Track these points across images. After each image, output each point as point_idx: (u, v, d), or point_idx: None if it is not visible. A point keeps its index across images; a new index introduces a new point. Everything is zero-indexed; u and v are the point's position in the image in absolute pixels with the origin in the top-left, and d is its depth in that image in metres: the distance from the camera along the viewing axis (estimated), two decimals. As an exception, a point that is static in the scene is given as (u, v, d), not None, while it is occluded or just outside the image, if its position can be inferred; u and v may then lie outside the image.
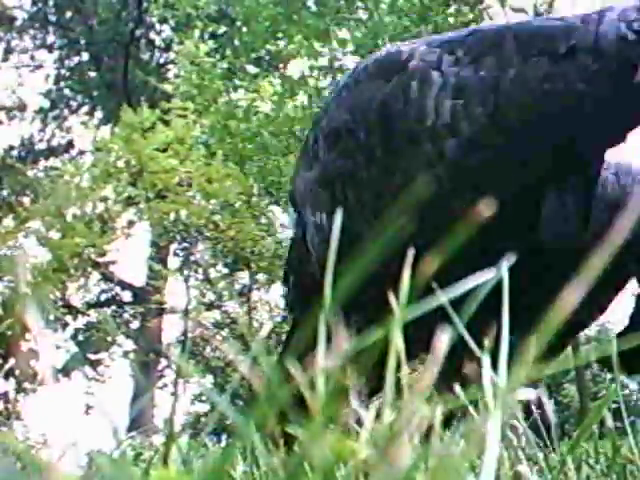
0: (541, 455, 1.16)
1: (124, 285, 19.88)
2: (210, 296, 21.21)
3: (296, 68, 14.40)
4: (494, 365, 0.74)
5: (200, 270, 20.28)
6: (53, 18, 21.29)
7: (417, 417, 0.61)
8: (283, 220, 18.43)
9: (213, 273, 21.21)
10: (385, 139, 1.89)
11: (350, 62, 14.10)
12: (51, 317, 12.00)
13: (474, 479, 0.98)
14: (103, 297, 20.26)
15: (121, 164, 13.48)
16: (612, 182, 2.09)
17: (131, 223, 14.39)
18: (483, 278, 0.73)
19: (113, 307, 20.29)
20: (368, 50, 13.58)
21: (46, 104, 21.36)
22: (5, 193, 18.07)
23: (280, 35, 13.78)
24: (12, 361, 11.12)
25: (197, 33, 15.09)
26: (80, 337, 18.94)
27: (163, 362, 19.58)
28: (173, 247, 19.43)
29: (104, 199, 13.40)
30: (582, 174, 1.84)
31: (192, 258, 19.18)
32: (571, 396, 23.35)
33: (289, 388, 0.57)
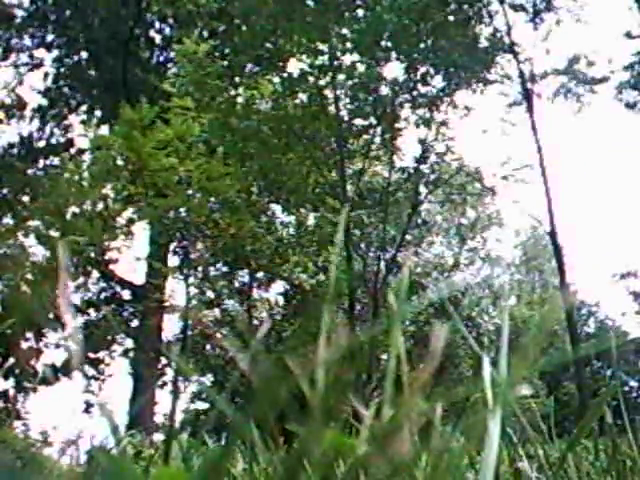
0: (541, 452, 1.16)
1: (124, 283, 19.87)
2: (210, 294, 21.23)
3: (296, 66, 14.40)
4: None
5: (199, 268, 20.28)
6: (52, 16, 21.27)
7: (416, 414, 0.61)
8: (283, 218, 18.44)
9: (213, 271, 21.22)
10: None
11: (349, 60, 14.10)
12: (50, 315, 12.00)
13: (474, 476, 0.98)
14: (103, 295, 20.26)
15: (121, 162, 13.48)
16: None
17: (131, 221, 14.39)
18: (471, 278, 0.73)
19: (113, 305, 20.28)
20: (368, 48, 13.59)
21: (45, 103, 21.36)
22: (5, 191, 18.07)
23: (280, 33, 13.77)
24: (12, 360, 11.12)
25: (197, 31, 15.09)
26: (79, 335, 18.92)
27: (163, 360, 19.58)
28: (173, 246, 19.43)
29: (104, 197, 13.40)
30: None
31: (192, 256, 19.18)
32: (571, 393, 23.39)
33: (288, 385, 0.57)
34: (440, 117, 15.08)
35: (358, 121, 14.81)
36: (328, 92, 14.41)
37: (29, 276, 11.66)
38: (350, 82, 14.16)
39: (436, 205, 22.06)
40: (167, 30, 20.90)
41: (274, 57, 14.36)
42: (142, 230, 16.78)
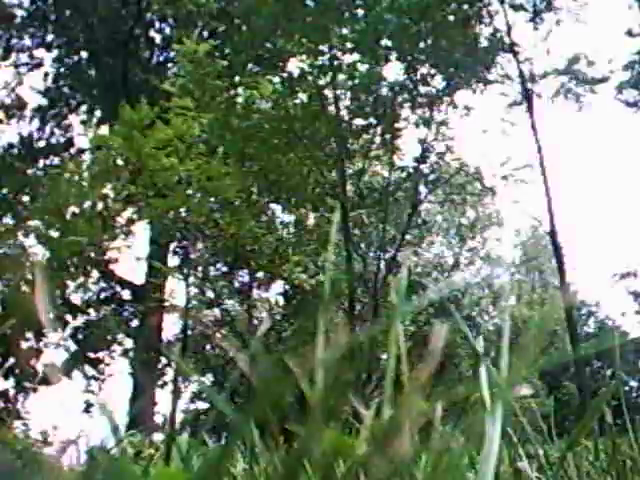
0: (541, 452, 1.16)
1: (124, 283, 19.86)
2: (210, 294, 21.24)
3: (296, 66, 14.40)
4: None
5: (199, 268, 20.28)
6: (52, 16, 21.27)
7: (416, 414, 0.61)
8: (283, 218, 18.44)
9: (213, 271, 21.23)
10: None
11: (349, 60, 14.10)
12: (50, 315, 11.98)
13: (474, 475, 0.98)
14: (103, 295, 20.25)
15: (121, 162, 13.48)
16: None
17: (131, 221, 14.39)
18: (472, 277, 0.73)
19: (113, 305, 20.28)
20: (368, 48, 13.59)
21: (45, 103, 21.36)
22: (5, 191, 18.06)
23: (280, 33, 13.77)
24: (12, 360, 11.12)
25: (197, 31, 15.09)
26: (79, 335, 18.94)
27: (163, 360, 19.58)
28: (173, 246, 19.42)
29: (104, 197, 13.39)
30: None
31: (192, 256, 19.18)
32: (571, 393, 23.39)
33: (288, 385, 0.57)
34: (440, 117, 15.09)
35: (358, 121, 14.81)
36: (328, 92, 14.41)
37: (29, 276, 11.65)
38: (350, 82, 14.17)
39: (436, 205, 22.06)
40: (167, 30, 20.90)
41: (274, 57, 14.35)
42: (142, 230, 16.77)
